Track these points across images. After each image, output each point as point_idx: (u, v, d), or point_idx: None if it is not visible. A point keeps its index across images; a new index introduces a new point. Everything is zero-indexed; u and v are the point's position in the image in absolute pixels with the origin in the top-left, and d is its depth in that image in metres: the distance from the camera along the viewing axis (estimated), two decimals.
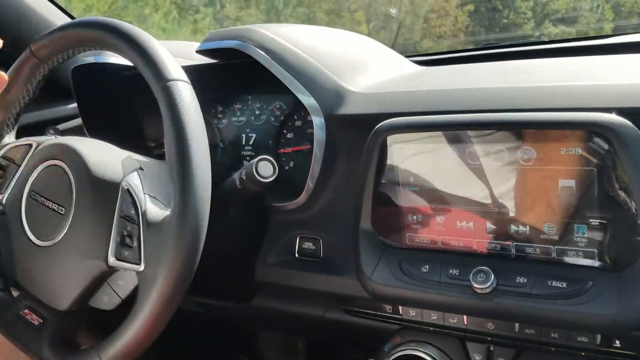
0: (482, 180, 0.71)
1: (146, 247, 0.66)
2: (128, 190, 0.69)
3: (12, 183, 0.78)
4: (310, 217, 0.89)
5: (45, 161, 0.75)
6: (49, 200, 0.73)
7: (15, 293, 0.79)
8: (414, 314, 0.80)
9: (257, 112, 1.07)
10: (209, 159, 0.67)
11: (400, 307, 0.81)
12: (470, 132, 0.70)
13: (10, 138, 0.84)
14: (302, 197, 0.88)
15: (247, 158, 1.07)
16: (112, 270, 0.70)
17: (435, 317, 0.79)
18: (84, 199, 0.70)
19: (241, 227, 0.90)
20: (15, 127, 0.85)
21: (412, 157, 0.75)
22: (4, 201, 0.78)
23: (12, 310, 0.76)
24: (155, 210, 0.67)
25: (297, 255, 0.89)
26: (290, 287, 0.90)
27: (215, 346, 1.37)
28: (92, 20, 0.74)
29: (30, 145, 0.79)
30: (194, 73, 0.77)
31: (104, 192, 0.69)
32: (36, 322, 0.74)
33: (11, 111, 0.83)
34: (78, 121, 1.12)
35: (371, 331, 0.86)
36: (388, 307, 0.82)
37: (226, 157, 1.09)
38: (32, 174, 0.76)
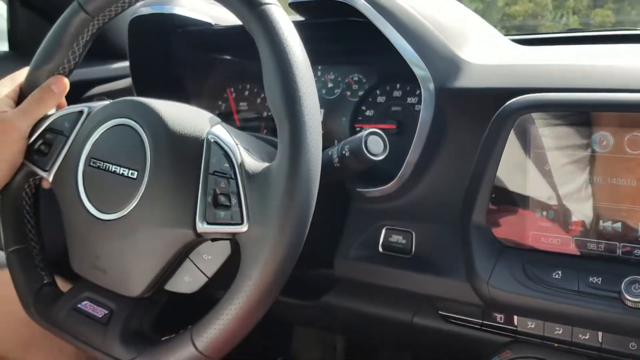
0: (634, 172, 0.60)
1: (250, 204, 0.54)
2: (216, 142, 0.58)
3: (61, 156, 0.66)
4: (400, 207, 0.77)
5: (105, 122, 0.63)
6: (116, 165, 0.61)
7: (67, 286, 0.67)
8: (532, 326, 0.68)
9: (330, 85, 0.95)
10: (318, 104, 0.56)
11: (515, 317, 0.70)
12: (626, 117, 0.59)
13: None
14: (394, 184, 0.75)
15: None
16: (199, 241, 0.58)
17: (560, 332, 0.67)
18: (161, 158, 0.58)
19: (321, 214, 0.77)
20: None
21: (547, 142, 0.63)
22: (50, 179, 0.67)
23: (67, 305, 0.65)
24: (255, 163, 0.56)
25: (381, 249, 0.77)
26: (373, 285, 0.78)
27: (246, 343, 1.24)
28: None
29: (81, 112, 0.68)
30: None
31: (186, 148, 0.58)
32: (100, 315, 0.62)
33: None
34: (125, 82, 1.00)
35: (472, 342, 0.74)
36: (499, 316, 0.71)
37: None
38: (89, 139, 0.64)
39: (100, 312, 0.63)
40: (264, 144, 0.67)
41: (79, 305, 0.65)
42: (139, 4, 0.72)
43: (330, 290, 0.84)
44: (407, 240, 0.76)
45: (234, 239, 0.56)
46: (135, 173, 0.60)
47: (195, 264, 0.61)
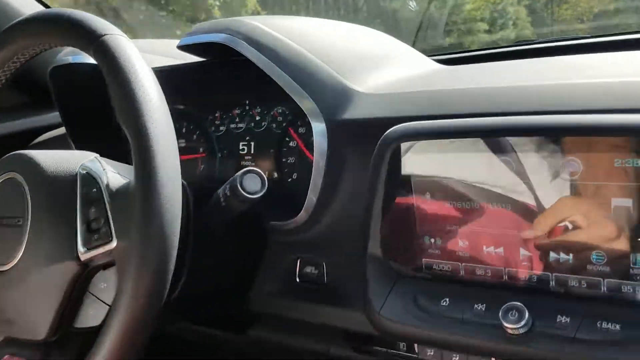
0: (515, 198, 0.59)
1: (115, 220, 0.57)
2: (87, 173, 0.61)
3: None
4: (312, 238, 0.77)
5: None
6: (4, 217, 0.64)
7: None
8: (431, 354, 0.67)
9: (258, 118, 0.96)
10: (169, 115, 0.58)
11: (415, 345, 0.69)
12: (501, 140, 0.58)
13: None
14: (303, 215, 0.76)
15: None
16: (89, 271, 0.60)
17: (457, 359, 0.66)
18: (39, 198, 0.62)
19: (229, 251, 0.78)
20: None
21: (429, 169, 0.63)
22: None
23: None
24: (119, 182, 0.59)
25: (297, 280, 0.77)
26: (289, 319, 0.78)
27: None
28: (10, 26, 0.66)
29: None
30: (182, 72, 0.66)
31: (60, 185, 0.61)
32: None
33: None
34: (60, 131, 1.03)
35: None
36: (402, 344, 0.70)
37: (225, 169, 0.98)
38: None
39: None
40: None
41: None
42: (55, 52, 0.75)
43: (254, 324, 0.84)
44: (319, 270, 0.76)
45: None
46: (21, 220, 0.62)
47: (94, 295, 0.63)
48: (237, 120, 0.97)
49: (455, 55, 1.03)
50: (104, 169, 0.61)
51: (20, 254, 0.61)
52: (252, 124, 0.96)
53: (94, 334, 0.63)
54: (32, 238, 0.61)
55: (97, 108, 0.98)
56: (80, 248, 0.58)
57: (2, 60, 0.68)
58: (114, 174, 0.61)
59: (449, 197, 0.62)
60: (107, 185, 0.59)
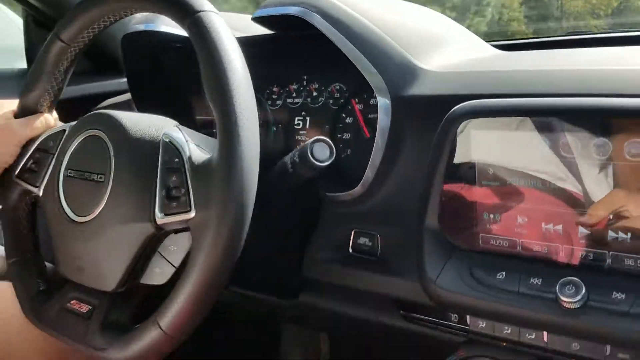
0: (575, 177, 0.61)
1: (195, 192, 0.60)
2: (170, 141, 0.64)
3: (48, 172, 0.74)
4: (367, 211, 0.80)
5: (78, 135, 0.70)
6: (87, 172, 0.68)
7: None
8: (483, 326, 0.70)
9: (315, 94, 0.98)
10: (254, 97, 0.61)
11: (468, 317, 0.71)
12: (565, 120, 0.60)
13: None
14: (360, 188, 0.79)
15: (301, 143, 0.99)
16: (161, 234, 0.64)
17: (509, 331, 0.68)
18: (122, 160, 0.65)
19: (291, 217, 0.81)
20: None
21: (492, 146, 0.65)
22: (40, 193, 0.74)
23: (57, 306, 0.71)
24: (201, 156, 0.62)
25: (350, 251, 0.80)
26: (341, 286, 0.81)
27: (233, 343, 1.28)
28: None
29: (63, 131, 0.75)
30: (247, 45, 0.69)
31: (144, 149, 0.64)
32: (85, 310, 0.68)
33: (40, 104, 0.78)
34: (127, 96, 1.07)
35: (432, 341, 0.76)
36: (453, 316, 0.72)
37: (279, 142, 1.01)
38: (67, 152, 0.71)
39: (85, 307, 0.69)
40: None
41: (67, 305, 0.71)
42: (127, 23, 0.79)
43: (306, 290, 0.87)
44: (373, 242, 0.79)
45: (189, 228, 0.61)
46: (103, 176, 0.66)
47: (163, 256, 0.67)
48: (293, 95, 1.00)
49: (509, 42, 1.04)
50: (186, 140, 0.64)
51: (100, 210, 0.65)
52: (309, 100, 0.99)
53: (158, 290, 0.68)
54: (112, 196, 0.64)
55: (164, 76, 1.02)
56: (158, 213, 0.62)
57: (95, 16, 0.70)
58: (195, 147, 0.63)
59: (510, 175, 0.64)
60: (190, 158, 0.62)
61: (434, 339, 0.76)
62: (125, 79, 1.22)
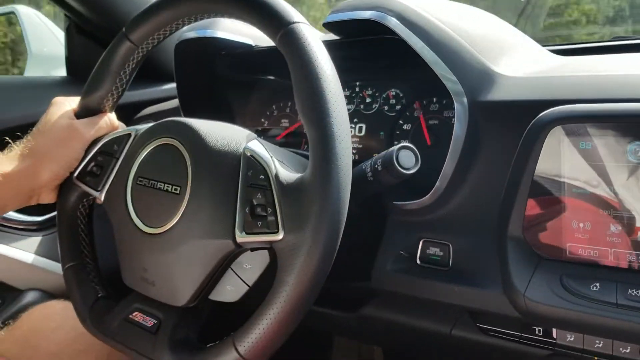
0: None
1: (284, 213, 0.56)
2: (252, 156, 0.60)
3: (112, 176, 0.71)
4: (437, 219, 0.77)
5: (150, 142, 0.67)
6: (161, 181, 0.65)
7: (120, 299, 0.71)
8: (572, 339, 0.68)
9: (368, 100, 0.97)
10: (347, 113, 0.58)
11: (554, 330, 0.69)
12: None
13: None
14: (430, 197, 0.76)
15: (354, 151, 0.97)
16: (238, 251, 0.61)
17: (600, 345, 0.66)
18: (201, 173, 0.62)
19: (360, 226, 0.79)
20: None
21: (581, 153, 0.63)
22: (102, 198, 0.71)
23: (119, 316, 0.68)
24: (288, 174, 0.58)
25: (418, 262, 0.78)
26: (411, 297, 0.79)
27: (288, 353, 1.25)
28: None
29: (129, 135, 0.72)
30: None
31: (224, 163, 0.61)
32: (150, 324, 0.65)
33: (103, 104, 0.76)
34: (172, 103, 1.04)
35: (511, 355, 0.73)
36: (537, 329, 0.70)
37: None
38: (137, 159, 0.68)
39: (149, 321, 0.66)
40: (298, 157, 0.70)
41: (130, 316, 0.68)
42: (181, 30, 0.76)
43: (368, 303, 0.85)
44: (444, 252, 0.76)
45: (271, 248, 0.58)
46: (178, 189, 0.63)
47: (236, 273, 0.64)
48: (346, 101, 0.98)
49: (562, 47, 1.02)
50: (271, 156, 0.60)
51: (175, 222, 0.62)
52: (362, 106, 0.97)
53: (228, 308, 0.65)
54: (189, 209, 0.61)
55: (215, 84, 1.00)
56: (238, 231, 0.59)
57: (169, 18, 0.68)
58: (279, 163, 0.60)
59: (601, 183, 0.62)
60: (277, 175, 0.58)
61: (512, 352, 0.73)
62: (166, 86, 1.21)
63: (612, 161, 0.62)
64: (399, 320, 0.83)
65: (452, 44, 0.73)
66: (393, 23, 0.74)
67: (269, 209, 0.58)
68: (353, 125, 0.97)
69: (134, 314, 0.68)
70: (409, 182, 0.83)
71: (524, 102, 0.69)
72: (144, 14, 0.70)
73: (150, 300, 0.67)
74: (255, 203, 0.58)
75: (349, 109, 0.98)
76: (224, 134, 0.64)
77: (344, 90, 0.97)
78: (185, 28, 0.94)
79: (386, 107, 0.94)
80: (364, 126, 0.96)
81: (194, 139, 0.63)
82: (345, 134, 0.56)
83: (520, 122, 0.67)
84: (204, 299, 0.65)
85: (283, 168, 0.60)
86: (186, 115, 1.00)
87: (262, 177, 0.59)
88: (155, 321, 0.66)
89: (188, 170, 0.63)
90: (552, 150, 0.64)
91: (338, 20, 0.79)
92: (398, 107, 0.93)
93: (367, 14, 0.76)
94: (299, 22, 0.59)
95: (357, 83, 0.98)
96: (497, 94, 0.71)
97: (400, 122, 0.92)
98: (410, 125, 0.91)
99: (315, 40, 0.59)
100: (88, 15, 1.07)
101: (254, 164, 0.60)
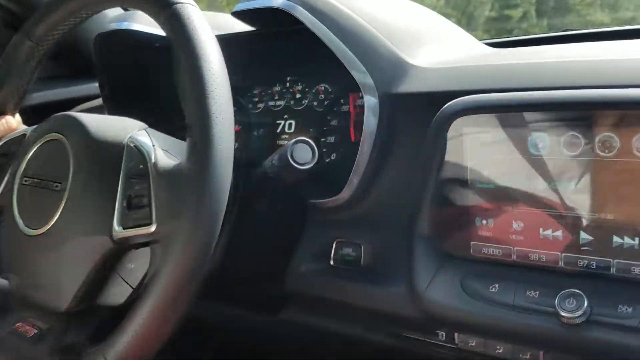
0: (578, 177, 0.55)
1: (158, 202, 0.53)
2: (135, 146, 0.57)
3: (6, 177, 0.68)
4: (353, 218, 0.74)
5: (38, 140, 0.65)
6: (42, 179, 0.62)
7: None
8: (473, 344, 0.64)
9: (298, 96, 0.93)
10: (230, 95, 0.55)
11: (456, 334, 0.65)
12: (569, 115, 0.55)
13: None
14: (344, 194, 0.73)
15: None
16: (119, 249, 0.57)
17: (501, 350, 0.62)
18: (81, 166, 0.59)
19: (272, 226, 0.75)
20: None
21: (486, 146, 0.60)
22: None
23: (6, 327, 0.64)
24: (168, 161, 0.55)
25: (332, 262, 0.74)
26: (325, 300, 0.75)
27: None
28: None
29: (24, 135, 0.69)
30: (227, 44, 0.64)
31: (105, 154, 0.58)
32: (31, 333, 0.61)
33: (5, 105, 0.73)
34: (98, 101, 1.01)
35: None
36: (441, 333, 0.67)
37: (261, 148, 0.96)
38: (25, 158, 0.65)
39: (31, 331, 0.62)
40: None
41: (14, 327, 0.64)
42: (101, 21, 0.74)
43: (287, 306, 0.81)
44: (356, 252, 0.73)
45: (153, 242, 0.55)
46: (59, 185, 0.60)
47: (119, 274, 0.60)
48: (276, 97, 0.95)
49: (501, 40, 1.00)
50: (153, 145, 0.57)
51: (54, 221, 0.59)
52: (292, 102, 0.94)
53: (114, 312, 0.61)
54: (68, 206, 0.58)
55: (138, 78, 0.97)
56: (116, 226, 0.55)
57: (65, 14, 0.67)
58: (162, 152, 0.57)
59: (504, 177, 0.59)
60: (155, 164, 0.55)
61: (423, 357, 0.70)
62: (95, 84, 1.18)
63: (515, 154, 0.59)
64: (315, 323, 0.80)
65: (364, 34, 0.70)
66: (300, 12, 0.71)
67: (143, 199, 0.55)
68: (284, 122, 0.94)
69: (17, 324, 0.64)
70: (327, 179, 0.80)
71: (433, 93, 0.66)
72: (40, 12, 0.68)
73: (36, 309, 0.63)
74: (133, 195, 0.55)
75: (280, 105, 0.95)
76: (108, 126, 0.61)
77: (275, 85, 0.96)
78: (107, 19, 0.92)
79: (315, 103, 0.91)
80: (293, 122, 0.93)
81: (78, 133, 0.61)
82: (226, 116, 0.53)
83: (430, 115, 0.64)
84: (90, 303, 0.61)
85: (165, 156, 0.56)
86: (110, 110, 0.97)
87: (141, 166, 0.56)
88: (37, 331, 0.62)
89: (70, 165, 0.60)
90: (456, 144, 0.61)
91: (246, 9, 0.76)
92: (326, 103, 0.90)
93: (274, 3, 0.73)
94: (183, 3, 0.56)
95: (288, 78, 0.95)
96: (409, 85, 0.68)
97: (328, 117, 0.89)
98: (337, 120, 0.88)
99: (200, 20, 0.56)
100: (12, 8, 1.05)
101: (136, 154, 0.57)
